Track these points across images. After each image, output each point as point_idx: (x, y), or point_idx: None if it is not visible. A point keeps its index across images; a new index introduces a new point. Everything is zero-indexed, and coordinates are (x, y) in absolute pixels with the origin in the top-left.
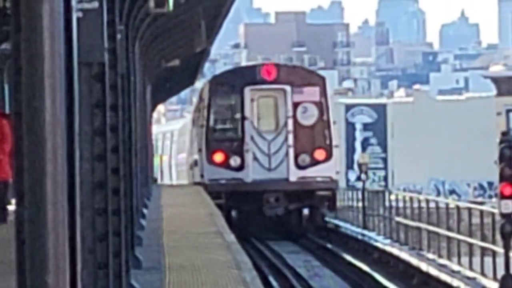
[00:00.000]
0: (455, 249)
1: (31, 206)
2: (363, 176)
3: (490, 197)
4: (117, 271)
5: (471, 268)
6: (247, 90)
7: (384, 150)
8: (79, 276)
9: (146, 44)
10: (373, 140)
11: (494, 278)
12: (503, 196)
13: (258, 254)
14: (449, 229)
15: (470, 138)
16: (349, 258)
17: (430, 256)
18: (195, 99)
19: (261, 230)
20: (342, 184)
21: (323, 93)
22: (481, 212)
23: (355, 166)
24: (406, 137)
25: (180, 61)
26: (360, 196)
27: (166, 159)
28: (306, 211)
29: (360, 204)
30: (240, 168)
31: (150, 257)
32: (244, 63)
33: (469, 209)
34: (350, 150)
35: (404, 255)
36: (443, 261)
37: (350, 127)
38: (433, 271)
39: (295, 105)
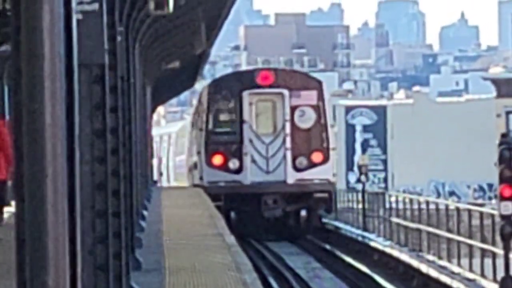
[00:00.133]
0: (455, 250)
1: (31, 207)
2: (363, 177)
3: (490, 198)
4: (117, 273)
5: (471, 270)
6: (245, 94)
7: (384, 151)
8: (79, 277)
9: (146, 46)
10: (373, 142)
11: (494, 280)
12: (502, 198)
13: (258, 256)
14: (449, 230)
15: (470, 139)
16: (349, 259)
17: (430, 257)
18: (195, 101)
19: (260, 231)
20: (342, 186)
21: (320, 96)
22: (481, 213)
23: (355, 168)
24: (406, 138)
25: (180, 63)
26: (359, 197)
27: (164, 161)
28: (303, 213)
29: (360, 206)
30: (239, 170)
31: (150, 258)
32: (244, 65)
33: (469, 210)
34: (350, 152)
35: (404, 257)
36: (443, 262)
37: (350, 128)
38: (433, 273)
39: (293, 108)
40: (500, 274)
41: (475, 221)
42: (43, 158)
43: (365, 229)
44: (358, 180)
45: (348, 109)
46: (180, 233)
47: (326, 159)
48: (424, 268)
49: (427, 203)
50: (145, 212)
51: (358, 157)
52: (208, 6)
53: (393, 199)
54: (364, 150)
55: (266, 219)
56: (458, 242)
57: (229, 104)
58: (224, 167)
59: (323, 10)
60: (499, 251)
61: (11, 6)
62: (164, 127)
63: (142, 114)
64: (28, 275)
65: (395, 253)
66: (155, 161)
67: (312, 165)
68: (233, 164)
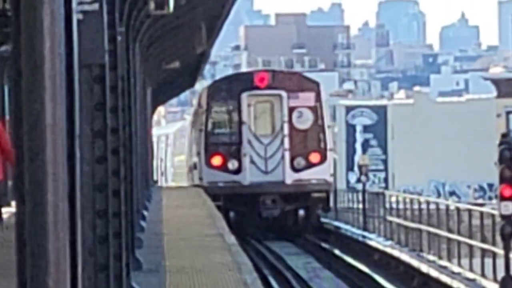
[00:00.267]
0: (455, 250)
1: (32, 208)
2: (363, 177)
3: (490, 198)
4: (117, 273)
5: (471, 270)
6: (244, 96)
7: (385, 151)
8: (80, 278)
9: (147, 46)
10: (373, 142)
11: (494, 280)
12: (503, 198)
13: (259, 256)
14: (449, 230)
15: (470, 139)
16: (349, 259)
17: (431, 257)
18: (195, 101)
19: (258, 231)
20: (342, 186)
21: (318, 98)
22: (481, 213)
23: (355, 168)
24: (406, 138)
25: (180, 63)
26: (360, 197)
27: (161, 162)
28: (301, 213)
29: (360, 206)
30: (238, 171)
31: (151, 259)
32: (244, 65)
33: (469, 210)
34: (350, 152)
35: (405, 257)
36: (443, 262)
37: (351, 129)
38: (434, 273)
39: (291, 110)
40: (501, 274)
41: (476, 221)
42: (44, 158)
43: (365, 229)
44: (359, 180)
45: (349, 109)
46: (181, 233)
47: (323, 160)
48: (424, 268)
49: (428, 203)
50: (145, 212)
51: (358, 157)
52: (208, 6)
53: (393, 199)
54: (364, 150)
55: (265, 218)
56: (459, 242)
57: (228, 105)
58: (223, 168)
59: (324, 10)
60: (500, 251)
61: (11, 6)
62: (162, 128)
63: (143, 114)
64: (28, 275)
65: (396, 253)
66: (155, 162)
67: (310, 165)
68: (232, 164)
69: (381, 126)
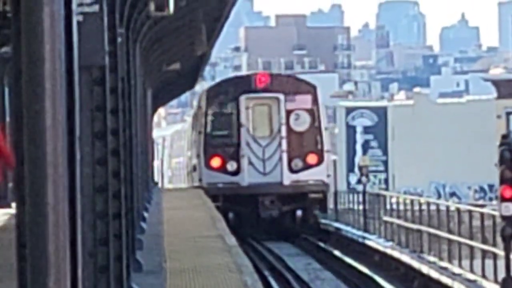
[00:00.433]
0: (456, 251)
1: (32, 209)
2: (363, 179)
3: (491, 199)
4: (118, 275)
5: (472, 271)
6: (242, 99)
7: (385, 153)
8: (80, 279)
9: (147, 48)
10: (373, 143)
11: (495, 281)
12: (503, 199)
13: (259, 257)
14: (449, 231)
15: (471, 140)
16: (350, 260)
17: (431, 258)
18: (195, 102)
19: (257, 231)
20: (343, 187)
21: (315, 101)
22: (482, 214)
23: (356, 169)
24: (406, 140)
25: (180, 64)
26: (360, 199)
27: (158, 164)
28: (299, 213)
29: (361, 207)
30: (237, 172)
31: (151, 260)
32: (244, 67)
33: (470, 211)
34: (350, 153)
35: (405, 258)
36: (444, 263)
37: (351, 130)
38: (434, 274)
39: (288, 112)
40: (501, 275)
41: (476, 222)
42: (44, 160)
43: (366, 230)
44: (359, 181)
45: (349, 110)
46: (181, 235)
47: (320, 161)
48: (425, 269)
49: (428, 204)
50: (146, 214)
51: (358, 158)
52: (208, 8)
53: (393, 200)
54: (364, 151)
55: (263, 219)
56: (459, 243)
57: (226, 108)
58: (222, 169)
59: (324, 11)
60: (500, 252)
61: (12, 8)
62: (158, 131)
63: (143, 115)
64: (29, 277)
65: (396, 254)
66: (156, 163)
67: (307, 166)
68: (231, 166)
69: (381, 127)
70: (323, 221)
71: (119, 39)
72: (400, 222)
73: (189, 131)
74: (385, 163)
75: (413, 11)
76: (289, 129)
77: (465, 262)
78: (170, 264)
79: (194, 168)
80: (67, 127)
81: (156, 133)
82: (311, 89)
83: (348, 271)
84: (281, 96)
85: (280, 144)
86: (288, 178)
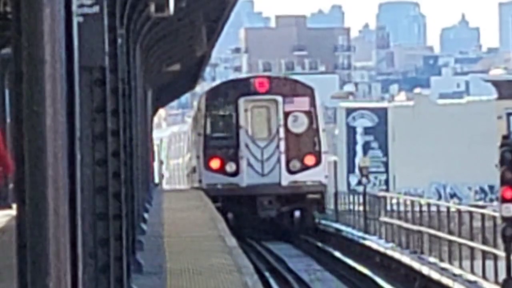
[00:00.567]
0: (456, 252)
1: (32, 210)
2: (364, 180)
3: (491, 200)
4: (118, 276)
5: (472, 272)
6: (241, 101)
7: (385, 154)
8: (80, 280)
9: (147, 49)
10: (374, 144)
11: (496, 282)
12: (504, 200)
13: (260, 258)
14: (450, 232)
15: (471, 141)
16: (350, 262)
17: (432, 259)
18: (195, 103)
19: (256, 231)
20: (343, 188)
21: (312, 103)
22: (483, 215)
23: (356, 170)
24: (407, 140)
25: (180, 65)
26: (360, 200)
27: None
28: (297, 213)
29: (361, 208)
30: (236, 173)
31: (151, 261)
32: (245, 68)
33: (470, 212)
34: (351, 154)
35: (406, 259)
36: (444, 264)
37: (351, 131)
38: (435, 275)
39: (286, 114)
40: (502, 276)
41: (477, 223)
42: (44, 161)
43: (366, 231)
44: (359, 182)
45: (349, 111)
46: (181, 236)
47: (318, 162)
48: (425, 270)
49: (428, 205)
50: (146, 215)
51: (359, 159)
52: (208, 9)
53: (394, 201)
54: (365, 152)
55: (262, 219)
56: (460, 244)
57: (225, 110)
58: (221, 170)
59: (324, 12)
60: (501, 253)
61: (12, 9)
62: (157, 132)
63: (143, 116)
64: (29, 278)
65: (397, 255)
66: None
67: (305, 167)
68: (230, 167)
69: (381, 128)
70: (323, 222)
71: (119, 40)
72: (398, 222)
73: (188, 133)
74: (386, 164)
75: (413, 11)
76: (287, 131)
77: (466, 263)
78: (170, 265)
79: (194, 170)
80: (67, 128)
81: (154, 135)
82: (309, 91)
83: (348, 272)
84: (279, 98)
85: (278, 146)
86: (286, 179)
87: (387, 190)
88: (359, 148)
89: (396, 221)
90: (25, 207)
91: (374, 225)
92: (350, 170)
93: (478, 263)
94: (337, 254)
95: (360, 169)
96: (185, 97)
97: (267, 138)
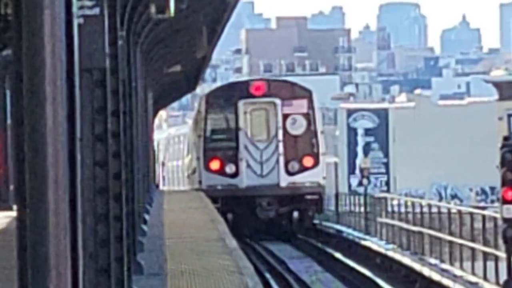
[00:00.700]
0: (457, 253)
1: (33, 212)
2: (365, 181)
3: (492, 201)
4: (119, 277)
5: (473, 273)
6: (240, 104)
7: (386, 155)
8: (81, 282)
9: (148, 50)
10: (374, 145)
11: (497, 283)
12: (505, 201)
13: (260, 259)
14: (451, 233)
15: (472, 142)
16: (351, 263)
17: (433, 261)
18: (196, 104)
19: (255, 231)
20: (344, 189)
21: (310, 105)
22: (483, 216)
23: (357, 171)
24: (408, 142)
25: (181, 66)
26: (361, 201)
27: (163, 166)
28: (296, 214)
29: (362, 209)
30: (235, 174)
31: (152, 262)
32: (245, 69)
33: (471, 213)
34: (351, 155)
35: (406, 260)
36: (445, 266)
37: (352, 132)
38: (436, 276)
39: (285, 116)
40: (503, 277)
41: (477, 224)
42: (45, 162)
43: (367, 232)
44: (360, 183)
45: (350, 112)
46: (182, 237)
47: (316, 163)
48: (426, 271)
49: (429, 206)
50: (146, 216)
51: (360, 160)
52: (209, 10)
53: (395, 202)
54: (366, 153)
55: (261, 220)
56: (461, 245)
57: (225, 112)
58: (221, 172)
59: (325, 13)
60: (502, 254)
61: (12, 11)
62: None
63: (144, 118)
64: (29, 279)
65: (397, 256)
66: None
67: (303, 169)
68: (230, 168)
69: (382, 129)
70: (324, 223)
71: (120, 42)
72: (397, 223)
73: (189, 135)
74: (386, 165)
75: (414, 13)
76: (286, 133)
77: (467, 264)
78: (171, 266)
79: (194, 171)
80: (68, 129)
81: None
82: (307, 94)
83: (349, 273)
84: (278, 101)
85: (277, 147)
86: (285, 180)
87: (387, 191)
88: (359, 149)
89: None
90: (26, 208)
91: (375, 226)
92: (351, 171)
93: (479, 264)
94: (338, 255)
95: (361, 170)
96: (186, 99)
97: (266, 140)
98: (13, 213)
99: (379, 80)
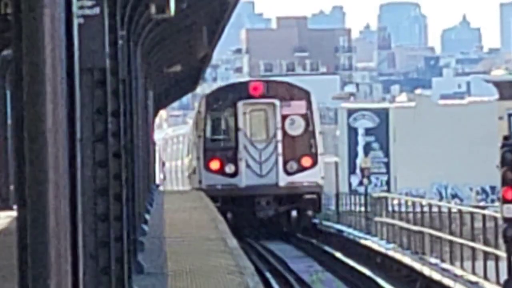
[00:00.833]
0: (457, 253)
1: (33, 212)
2: (365, 180)
3: (493, 201)
4: (119, 277)
5: (474, 273)
6: (240, 104)
7: (386, 154)
8: (81, 281)
9: (148, 50)
10: (375, 145)
11: (497, 283)
12: (505, 200)
13: (261, 259)
14: (451, 233)
15: (472, 142)
16: (351, 262)
17: (433, 260)
18: (196, 104)
19: (254, 230)
20: (344, 189)
21: (309, 106)
22: (484, 216)
23: (358, 171)
24: (408, 141)
25: (181, 66)
26: (362, 200)
27: (163, 166)
28: (294, 213)
29: (362, 209)
30: (234, 174)
31: (152, 262)
32: (246, 69)
33: (472, 213)
34: (352, 155)
35: (407, 260)
36: (445, 265)
37: (352, 131)
38: (436, 276)
39: (284, 117)
40: (503, 276)
41: (478, 224)
42: (45, 163)
43: (367, 232)
44: (361, 183)
45: (350, 112)
46: (182, 237)
47: (314, 163)
48: (427, 271)
49: (430, 205)
50: (147, 216)
51: (360, 160)
52: (209, 10)
53: (395, 201)
54: (366, 153)
55: (260, 219)
56: (461, 244)
57: (225, 113)
58: (221, 171)
59: (325, 13)
60: (502, 254)
61: (12, 10)
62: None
63: (144, 118)
64: (30, 279)
65: (398, 256)
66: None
67: (302, 169)
68: (229, 168)
69: (383, 129)
70: (324, 223)
71: (120, 42)
72: (397, 222)
73: (189, 135)
74: (387, 164)
75: (414, 12)
76: (285, 133)
77: (467, 264)
78: (171, 266)
79: (194, 171)
80: (68, 129)
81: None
82: (306, 95)
83: (349, 272)
84: (277, 102)
85: (276, 148)
86: (283, 180)
87: (388, 190)
88: (360, 149)
89: (397, 222)
90: (26, 208)
91: (375, 226)
92: (351, 171)
93: (479, 263)
94: (338, 255)
95: (361, 169)
96: (186, 98)
97: (265, 140)
98: (13, 213)
99: (379, 80)
